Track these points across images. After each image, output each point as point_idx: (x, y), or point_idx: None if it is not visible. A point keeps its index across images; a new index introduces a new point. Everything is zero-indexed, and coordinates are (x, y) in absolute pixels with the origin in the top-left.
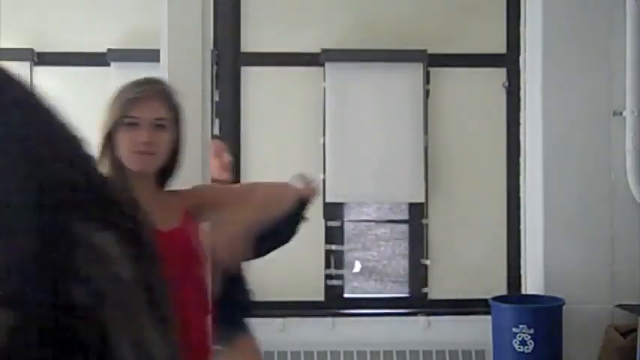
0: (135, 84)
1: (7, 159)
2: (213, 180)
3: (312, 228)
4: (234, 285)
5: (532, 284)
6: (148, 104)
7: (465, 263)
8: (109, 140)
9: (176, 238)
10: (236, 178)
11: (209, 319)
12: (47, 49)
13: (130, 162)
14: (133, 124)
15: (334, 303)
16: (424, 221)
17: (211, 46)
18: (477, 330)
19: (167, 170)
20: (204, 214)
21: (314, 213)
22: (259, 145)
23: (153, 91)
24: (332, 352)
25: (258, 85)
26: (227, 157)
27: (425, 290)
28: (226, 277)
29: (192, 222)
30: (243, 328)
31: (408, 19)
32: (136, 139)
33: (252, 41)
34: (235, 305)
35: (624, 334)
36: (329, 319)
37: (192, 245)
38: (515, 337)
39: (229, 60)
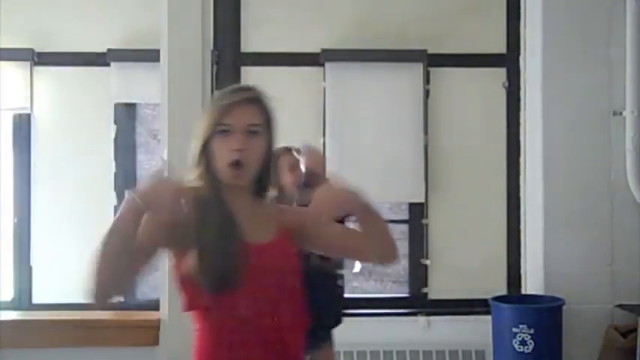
0: (227, 91)
1: None
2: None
3: None
4: (328, 290)
5: (532, 284)
6: (240, 111)
7: (465, 263)
8: (205, 149)
9: (271, 251)
10: None
11: (304, 333)
12: (47, 49)
13: (224, 174)
14: (226, 132)
15: None
16: (424, 221)
17: (211, 46)
18: (477, 330)
19: (262, 179)
20: (299, 240)
21: None
22: None
23: (245, 97)
24: None
25: (258, 85)
26: (300, 172)
27: (425, 290)
28: (320, 277)
29: (288, 238)
30: (329, 339)
31: (408, 19)
32: (229, 146)
33: (252, 41)
34: (327, 317)
35: (624, 334)
36: None
37: (288, 259)
38: (515, 337)
39: (229, 60)
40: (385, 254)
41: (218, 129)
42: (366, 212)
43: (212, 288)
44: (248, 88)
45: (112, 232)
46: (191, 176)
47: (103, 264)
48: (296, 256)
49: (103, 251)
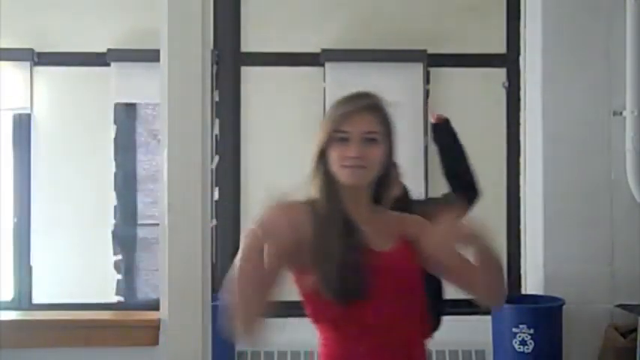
0: (347, 98)
1: None
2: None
3: None
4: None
5: (532, 284)
6: (358, 118)
7: None
8: (322, 156)
9: (394, 258)
10: (236, 178)
11: (426, 339)
12: (47, 49)
13: (341, 175)
14: (344, 139)
15: None
16: None
17: (211, 46)
18: (477, 330)
19: (381, 185)
20: (421, 255)
21: None
22: (259, 145)
23: (364, 104)
24: None
25: (258, 85)
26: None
27: None
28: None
29: (409, 246)
30: None
31: (408, 19)
32: (346, 154)
33: (252, 41)
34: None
35: (624, 334)
36: None
37: (410, 266)
38: (515, 337)
39: (229, 60)
40: (492, 298)
41: (335, 136)
42: (487, 254)
43: (340, 300)
44: (367, 95)
45: (242, 275)
46: (309, 185)
47: (242, 307)
48: (417, 266)
49: (240, 295)
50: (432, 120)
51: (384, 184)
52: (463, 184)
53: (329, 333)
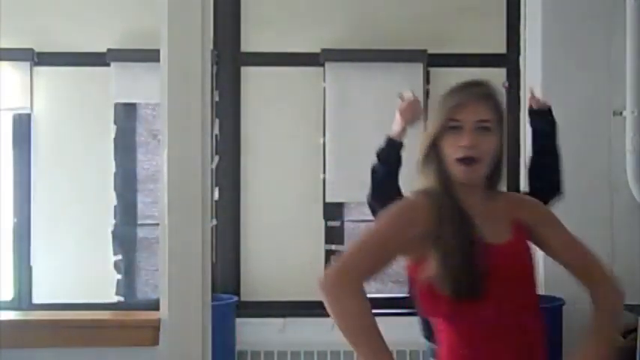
0: (459, 87)
1: None
2: None
3: (312, 228)
4: None
5: None
6: (472, 107)
7: None
8: (434, 148)
9: (510, 252)
10: (236, 178)
11: (545, 336)
12: (47, 49)
13: (456, 172)
14: (457, 128)
15: None
16: None
17: (211, 46)
18: None
19: (493, 173)
20: (534, 238)
21: (314, 213)
22: (259, 145)
23: (477, 93)
24: (332, 352)
25: (258, 85)
26: None
27: None
28: None
29: (524, 235)
30: None
31: (408, 19)
32: (459, 143)
33: (252, 41)
34: None
35: (624, 334)
36: (329, 319)
37: (525, 260)
38: None
39: (229, 60)
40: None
41: (449, 125)
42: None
43: (456, 295)
44: (479, 84)
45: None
46: (420, 174)
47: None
48: (532, 257)
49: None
50: (531, 105)
51: (497, 172)
52: (549, 179)
53: (444, 326)
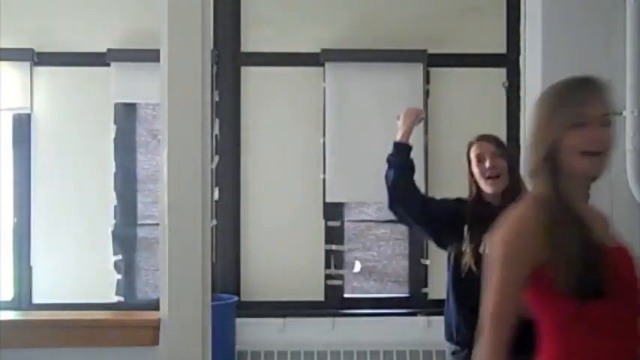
0: (578, 84)
1: None
2: None
3: (312, 228)
4: None
5: None
6: (597, 102)
7: None
8: (554, 149)
9: (622, 255)
10: (236, 178)
11: None
12: (47, 49)
13: (581, 166)
14: (581, 124)
15: (334, 303)
16: None
17: (211, 46)
18: None
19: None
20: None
21: (314, 213)
22: (259, 145)
23: (598, 88)
24: (332, 352)
25: (258, 85)
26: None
27: (425, 290)
28: None
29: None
30: None
31: (408, 19)
32: (589, 137)
33: (252, 41)
34: None
35: None
36: (329, 319)
37: (633, 264)
38: None
39: (229, 60)
40: None
41: (576, 121)
42: None
43: (581, 296)
44: (594, 79)
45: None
46: (533, 177)
47: None
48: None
49: None
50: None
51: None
52: None
53: (559, 330)
